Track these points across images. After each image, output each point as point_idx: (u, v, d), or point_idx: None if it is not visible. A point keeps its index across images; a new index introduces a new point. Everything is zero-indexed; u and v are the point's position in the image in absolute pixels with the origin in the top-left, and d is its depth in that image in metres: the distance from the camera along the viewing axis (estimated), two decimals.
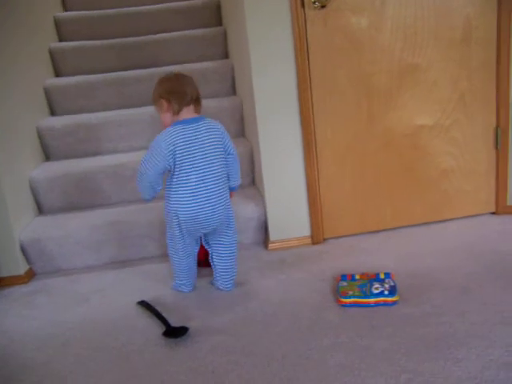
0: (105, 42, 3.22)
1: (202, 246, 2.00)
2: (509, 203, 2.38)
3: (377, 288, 1.77)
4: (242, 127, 2.81)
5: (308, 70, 2.14)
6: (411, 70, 2.19)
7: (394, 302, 1.73)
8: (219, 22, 3.42)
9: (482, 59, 2.23)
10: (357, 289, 1.79)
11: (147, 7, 3.44)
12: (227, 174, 1.91)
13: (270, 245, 2.30)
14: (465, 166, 2.33)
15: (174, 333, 1.71)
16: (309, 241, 2.31)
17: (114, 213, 2.42)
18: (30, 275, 2.28)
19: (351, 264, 2.07)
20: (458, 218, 2.38)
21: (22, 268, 2.25)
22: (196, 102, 1.86)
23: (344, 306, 1.76)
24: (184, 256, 1.92)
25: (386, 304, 1.73)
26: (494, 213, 2.40)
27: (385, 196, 2.32)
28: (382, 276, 1.86)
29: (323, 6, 2.09)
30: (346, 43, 2.14)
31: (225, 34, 3.20)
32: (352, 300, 1.75)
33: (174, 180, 1.80)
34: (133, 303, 1.94)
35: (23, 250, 2.26)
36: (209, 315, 1.83)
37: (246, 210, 2.33)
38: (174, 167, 1.79)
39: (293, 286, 1.96)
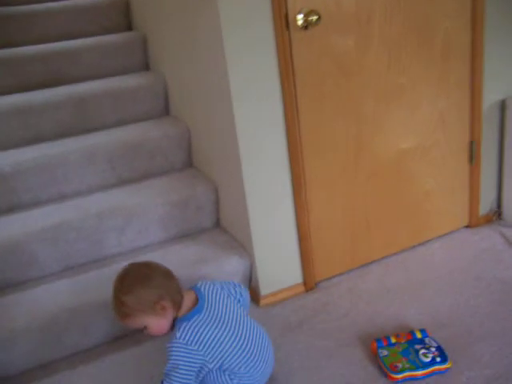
0: None
1: None
2: (481, 214, 2.36)
3: (425, 355, 1.60)
4: (188, 157, 2.39)
5: (295, 101, 1.84)
6: (397, 90, 2.01)
7: (448, 369, 1.58)
8: (128, 25, 2.88)
9: (458, 75, 2.12)
10: (403, 358, 1.60)
11: (38, 6, 2.75)
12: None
13: (261, 300, 2.01)
14: (443, 185, 2.25)
15: None
16: (302, 288, 2.06)
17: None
18: None
19: (367, 316, 1.87)
20: (438, 237, 2.30)
21: None
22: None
23: (397, 382, 1.57)
24: None
25: (439, 372, 1.58)
26: (467, 226, 2.37)
27: (373, 226, 2.15)
28: (418, 335, 1.69)
29: (306, 27, 1.79)
30: (332, 66, 1.87)
31: (143, 41, 2.69)
32: (405, 375, 1.56)
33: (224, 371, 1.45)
34: None
35: None
36: None
37: (229, 265, 1.99)
38: (217, 363, 1.44)
39: (319, 357, 1.71)
